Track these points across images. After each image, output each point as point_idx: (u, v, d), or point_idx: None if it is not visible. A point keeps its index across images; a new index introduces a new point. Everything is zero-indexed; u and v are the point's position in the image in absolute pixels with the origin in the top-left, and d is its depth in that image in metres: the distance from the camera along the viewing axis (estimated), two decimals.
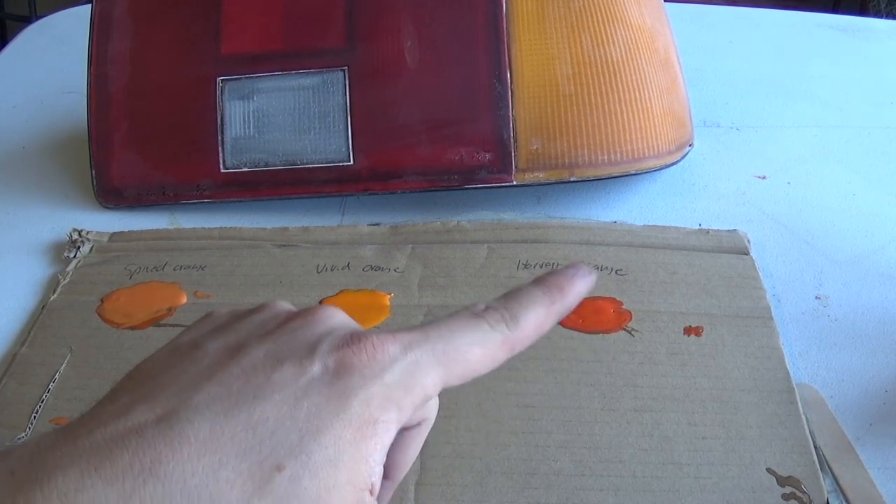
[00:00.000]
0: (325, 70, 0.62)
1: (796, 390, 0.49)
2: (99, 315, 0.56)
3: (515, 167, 0.62)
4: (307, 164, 0.63)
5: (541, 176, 0.62)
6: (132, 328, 0.55)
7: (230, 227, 0.63)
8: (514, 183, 0.62)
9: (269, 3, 0.63)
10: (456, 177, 0.63)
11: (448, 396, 0.49)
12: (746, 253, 0.58)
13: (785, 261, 0.60)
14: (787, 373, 0.50)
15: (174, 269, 0.59)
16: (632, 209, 0.64)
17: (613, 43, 0.62)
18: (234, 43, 0.63)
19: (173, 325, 0.55)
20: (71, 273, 0.60)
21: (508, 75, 0.62)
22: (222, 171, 0.64)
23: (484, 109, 0.62)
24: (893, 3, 1.76)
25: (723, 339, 0.52)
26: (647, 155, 0.63)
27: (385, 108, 0.63)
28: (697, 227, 0.61)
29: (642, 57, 0.63)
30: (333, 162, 0.63)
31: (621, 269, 0.57)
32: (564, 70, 0.62)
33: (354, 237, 0.61)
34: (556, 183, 0.63)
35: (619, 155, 0.62)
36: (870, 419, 0.49)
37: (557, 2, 0.62)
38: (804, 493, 0.44)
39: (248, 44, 0.63)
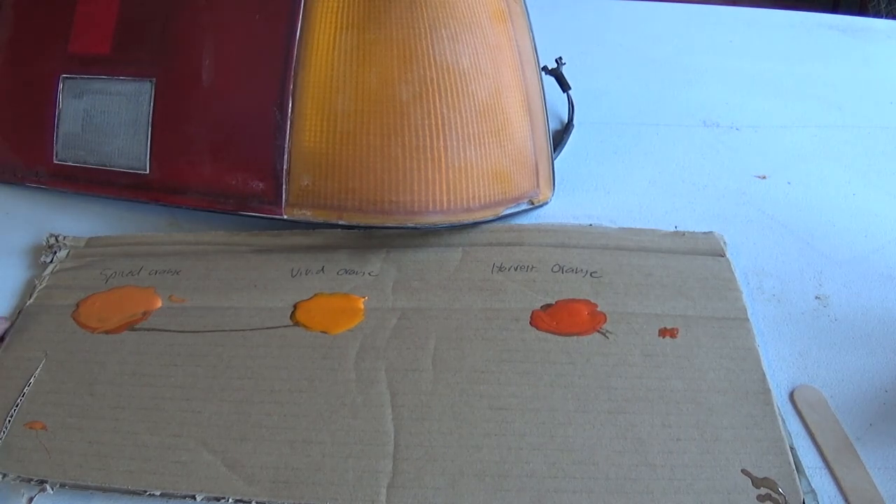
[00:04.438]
0: (138, 79, 0.64)
1: (772, 391, 0.49)
2: (74, 320, 0.56)
3: (286, 201, 0.59)
4: (114, 167, 0.65)
5: (308, 214, 0.59)
6: (107, 332, 0.55)
7: (205, 232, 0.63)
8: (285, 217, 0.60)
9: (108, 9, 0.65)
10: (231, 201, 0.61)
11: (420, 398, 0.49)
12: (722, 255, 0.58)
13: (785, 261, 0.60)
14: (763, 374, 0.50)
15: (149, 274, 0.59)
16: (631, 209, 0.64)
17: (406, 81, 0.57)
18: (78, 43, 0.66)
19: (148, 329, 0.55)
20: (47, 277, 0.59)
21: (290, 104, 0.59)
22: (55, 162, 0.66)
23: (261, 137, 0.60)
24: (893, 3, 1.77)
25: (698, 340, 0.52)
26: (429, 209, 0.58)
27: (180, 123, 0.63)
28: (674, 229, 0.61)
29: (442, 100, 0.58)
30: (134, 169, 0.64)
31: (596, 272, 0.57)
32: (346, 105, 0.58)
33: (329, 241, 0.61)
34: (325, 225, 0.60)
35: (392, 205, 0.58)
36: (870, 419, 0.49)
37: (351, 31, 0.58)
38: (780, 494, 0.44)
39: (88, 45, 0.65)
